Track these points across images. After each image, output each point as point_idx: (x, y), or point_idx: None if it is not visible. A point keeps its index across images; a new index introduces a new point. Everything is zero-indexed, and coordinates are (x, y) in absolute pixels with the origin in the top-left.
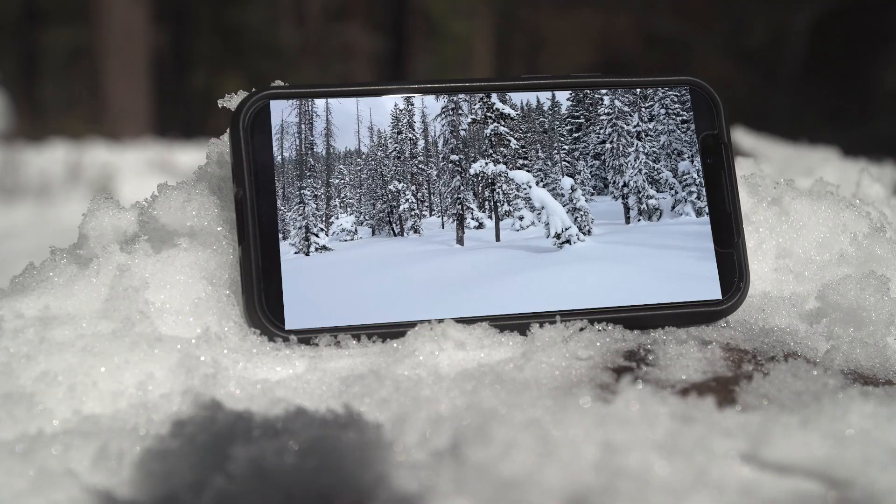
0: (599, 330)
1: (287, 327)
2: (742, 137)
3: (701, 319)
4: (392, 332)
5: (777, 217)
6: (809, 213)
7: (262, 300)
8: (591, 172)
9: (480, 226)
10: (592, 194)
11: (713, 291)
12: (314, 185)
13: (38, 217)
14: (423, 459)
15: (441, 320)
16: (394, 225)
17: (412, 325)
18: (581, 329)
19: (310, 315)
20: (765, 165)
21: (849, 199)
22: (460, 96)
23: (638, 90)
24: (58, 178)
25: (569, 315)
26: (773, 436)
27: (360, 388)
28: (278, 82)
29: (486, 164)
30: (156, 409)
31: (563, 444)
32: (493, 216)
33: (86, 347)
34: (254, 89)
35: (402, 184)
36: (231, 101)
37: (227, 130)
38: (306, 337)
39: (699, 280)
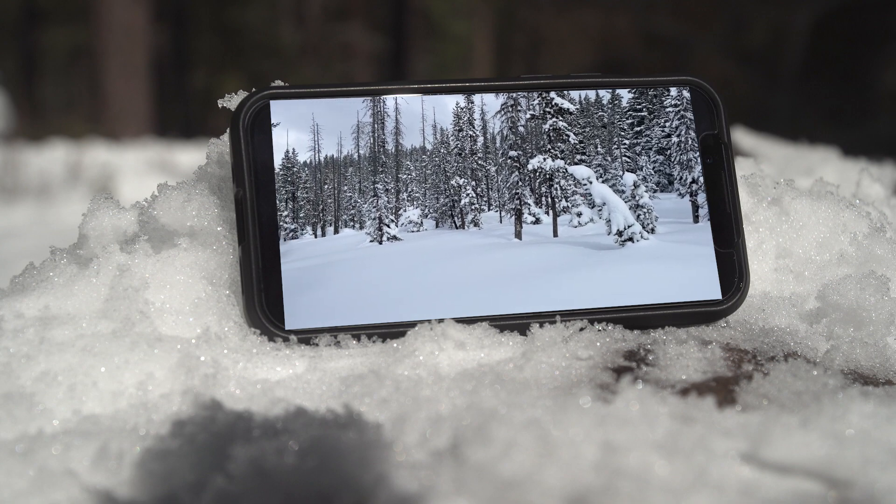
0: (599, 330)
1: (287, 327)
2: (742, 137)
3: (701, 319)
4: (392, 332)
5: (777, 217)
6: (809, 213)
7: (262, 300)
8: (654, 168)
9: (537, 221)
10: (655, 191)
11: (713, 291)
12: (385, 179)
13: (38, 217)
14: (423, 459)
15: (441, 320)
16: (455, 218)
17: (412, 325)
18: (581, 329)
19: (310, 315)
20: (765, 165)
21: (849, 199)
22: (520, 93)
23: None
24: (58, 178)
25: (569, 315)
26: (773, 436)
27: (360, 388)
28: (278, 82)
29: (545, 159)
30: (156, 409)
31: (563, 444)
32: (551, 212)
33: (86, 347)
34: (254, 89)
35: (462, 179)
36: (231, 101)
37: (227, 130)
38: (306, 337)
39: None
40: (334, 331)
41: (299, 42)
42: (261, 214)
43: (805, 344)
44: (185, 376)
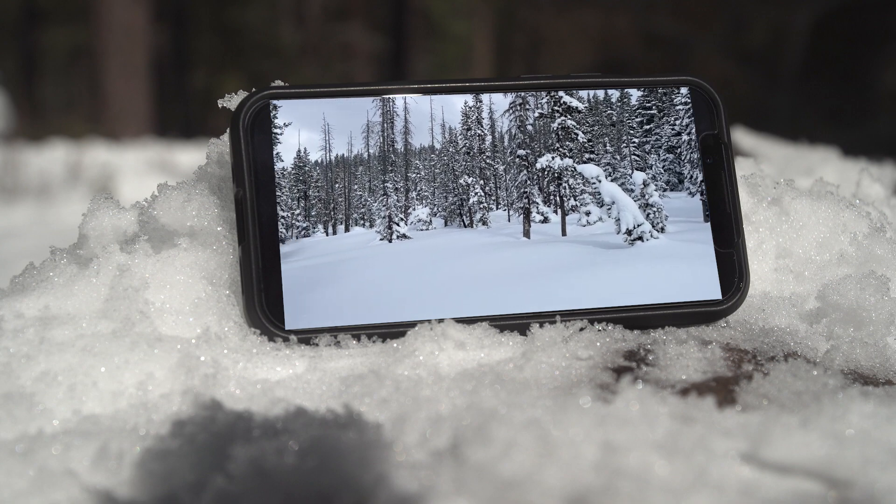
0: (599, 330)
1: (287, 327)
2: (742, 137)
3: (701, 319)
4: (392, 332)
5: (777, 217)
6: (809, 213)
7: (262, 300)
8: (663, 167)
9: (545, 220)
10: (665, 189)
11: (713, 291)
12: (395, 178)
13: (38, 217)
14: (423, 459)
15: (441, 320)
16: (464, 217)
17: (412, 325)
18: (581, 329)
19: (310, 315)
20: (765, 165)
21: (849, 199)
22: (528, 92)
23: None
24: (58, 178)
25: (569, 315)
26: (773, 436)
27: (360, 388)
28: (278, 82)
29: (553, 158)
30: (156, 409)
31: (563, 444)
32: (560, 211)
33: (86, 347)
34: (254, 89)
35: (471, 178)
36: (231, 101)
37: (227, 130)
38: (306, 337)
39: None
40: (334, 331)
41: (299, 42)
42: (261, 214)
43: (805, 344)
44: (185, 376)
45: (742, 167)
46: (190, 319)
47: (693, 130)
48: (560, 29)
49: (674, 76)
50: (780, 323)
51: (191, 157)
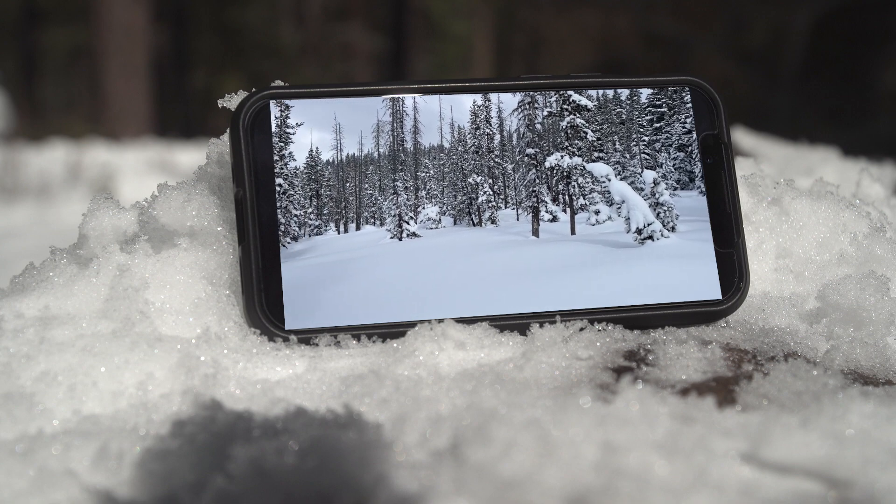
0: (599, 330)
1: (287, 327)
2: (742, 137)
3: (701, 319)
4: (392, 332)
5: (777, 217)
6: (809, 213)
7: (262, 300)
8: (674, 165)
9: (554, 219)
10: (675, 188)
11: (713, 291)
12: (405, 177)
13: (38, 217)
14: (423, 459)
15: (441, 320)
16: (472, 215)
17: (412, 325)
18: (581, 329)
19: (310, 315)
20: (765, 165)
21: (849, 199)
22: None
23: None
24: (58, 178)
25: (569, 315)
26: (773, 436)
27: (360, 388)
28: (278, 82)
29: (562, 157)
30: (156, 409)
31: (563, 444)
32: (569, 209)
33: (86, 347)
34: (254, 89)
35: (480, 177)
36: (231, 101)
37: (227, 130)
38: (306, 337)
39: None
40: (334, 331)
41: (299, 42)
42: (261, 214)
43: (805, 344)
44: (185, 376)
45: (742, 167)
46: (190, 319)
47: (693, 130)
48: (560, 29)
49: (673, 76)
50: (780, 323)
51: (191, 157)
